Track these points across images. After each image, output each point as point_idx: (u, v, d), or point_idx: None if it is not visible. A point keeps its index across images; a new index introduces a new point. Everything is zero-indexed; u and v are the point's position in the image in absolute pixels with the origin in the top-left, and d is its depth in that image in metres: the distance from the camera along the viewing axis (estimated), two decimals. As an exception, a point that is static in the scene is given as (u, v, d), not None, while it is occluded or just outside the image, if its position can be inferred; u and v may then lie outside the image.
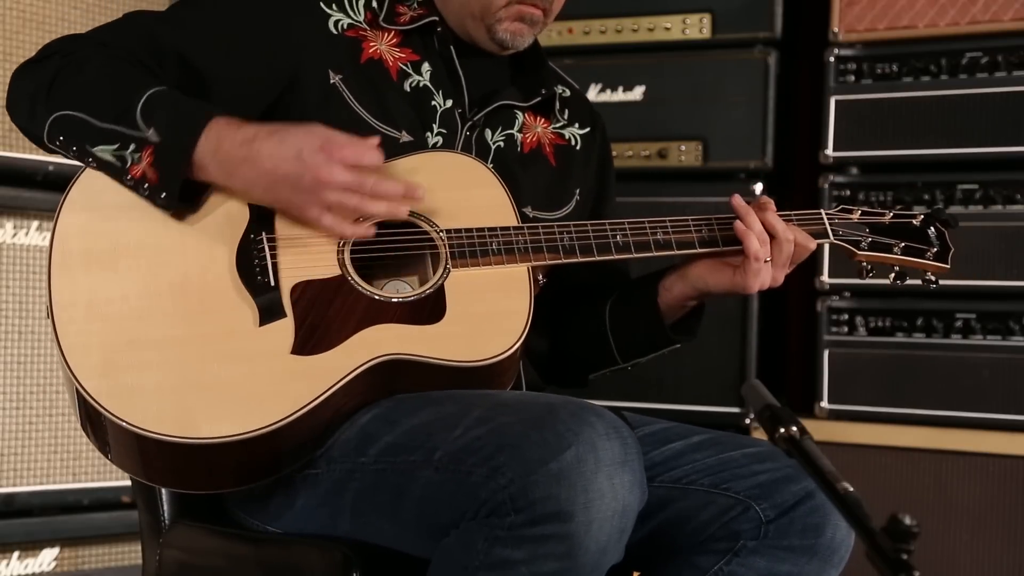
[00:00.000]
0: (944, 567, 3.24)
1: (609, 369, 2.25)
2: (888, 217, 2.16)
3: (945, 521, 3.26)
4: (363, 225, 1.88)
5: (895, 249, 2.15)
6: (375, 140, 1.89)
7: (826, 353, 3.45)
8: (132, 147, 1.86)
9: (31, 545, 3.25)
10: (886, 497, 3.28)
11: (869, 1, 3.43)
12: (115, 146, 1.87)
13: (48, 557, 3.28)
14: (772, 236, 2.05)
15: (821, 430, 3.33)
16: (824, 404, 3.44)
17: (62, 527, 3.30)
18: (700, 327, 2.20)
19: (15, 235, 3.21)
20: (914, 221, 2.17)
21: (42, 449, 3.24)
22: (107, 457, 1.90)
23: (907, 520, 1.28)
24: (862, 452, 3.35)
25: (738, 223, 2.04)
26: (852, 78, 3.46)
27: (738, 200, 2.06)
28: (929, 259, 2.16)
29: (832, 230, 2.13)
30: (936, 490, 3.29)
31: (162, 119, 1.86)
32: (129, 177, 1.88)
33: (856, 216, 2.15)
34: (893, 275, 2.18)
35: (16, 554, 3.22)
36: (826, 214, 2.14)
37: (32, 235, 3.23)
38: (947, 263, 2.17)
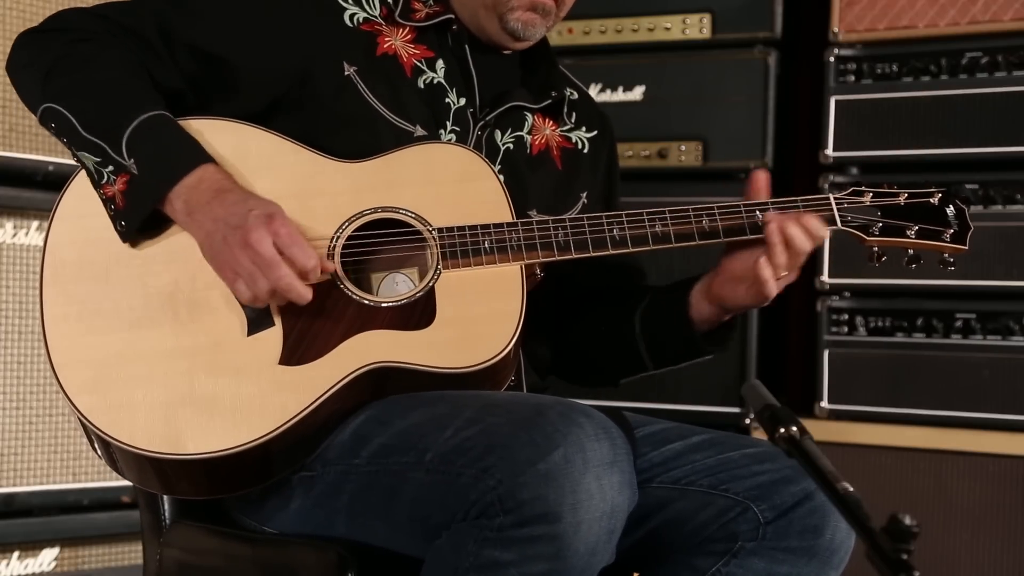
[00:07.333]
0: (944, 567, 3.24)
1: (640, 375, 2.21)
2: (903, 198, 2.06)
3: (945, 521, 3.26)
4: (261, 301, 1.83)
5: (909, 232, 2.04)
6: (327, 266, 1.85)
7: (826, 353, 3.45)
8: (111, 167, 1.87)
9: (31, 545, 3.25)
10: (886, 497, 3.28)
11: (869, 1, 3.43)
12: (97, 159, 1.88)
13: (48, 557, 3.28)
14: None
15: (821, 430, 3.33)
16: (824, 404, 3.44)
17: (62, 527, 3.30)
18: (732, 340, 2.14)
19: (15, 235, 3.21)
20: (932, 200, 2.07)
21: (42, 449, 3.24)
22: (117, 471, 1.91)
23: (907, 520, 1.28)
24: (862, 452, 3.35)
25: (762, 260, 1.98)
26: (852, 78, 3.46)
27: (772, 217, 1.99)
28: (946, 241, 2.05)
29: (840, 216, 2.03)
30: (936, 490, 3.29)
31: (146, 154, 1.86)
32: (101, 192, 1.89)
33: (867, 199, 2.05)
34: (907, 259, 2.07)
35: (16, 554, 3.22)
36: (834, 199, 2.04)
37: (32, 235, 3.23)
38: (966, 244, 2.05)
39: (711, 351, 2.12)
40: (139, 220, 1.87)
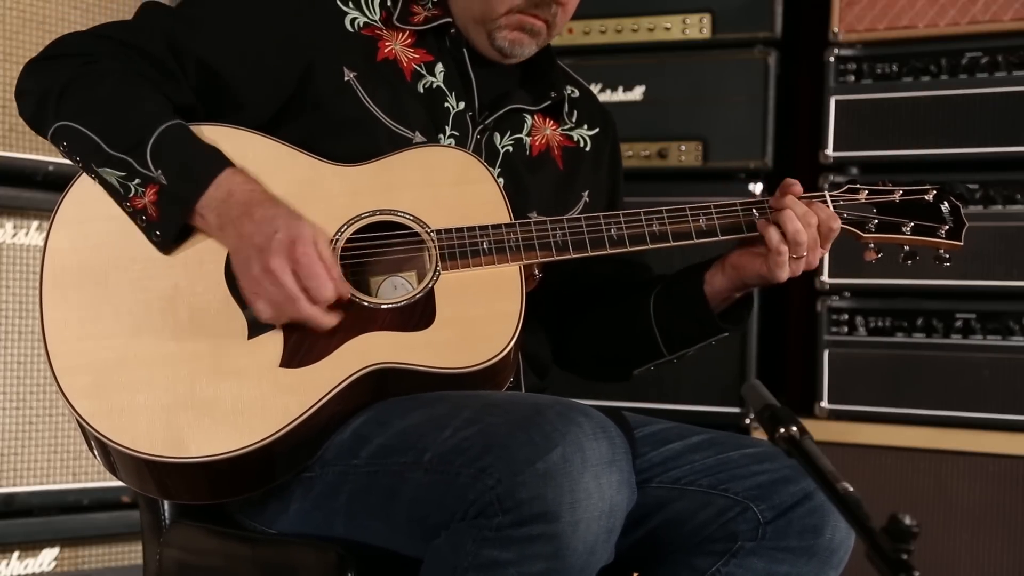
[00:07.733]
0: (944, 567, 3.24)
1: (654, 363, 2.21)
2: (898, 195, 2.09)
3: (945, 521, 3.26)
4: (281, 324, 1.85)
5: (904, 229, 2.07)
6: (345, 290, 1.85)
7: (826, 353, 3.46)
8: (138, 180, 1.87)
9: (31, 545, 3.25)
10: (886, 497, 3.28)
11: (869, 1, 3.43)
12: (122, 174, 1.88)
13: (48, 557, 3.28)
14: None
15: (821, 430, 3.33)
16: (824, 404, 3.44)
17: (62, 527, 3.30)
18: (749, 316, 2.15)
19: (15, 235, 3.21)
20: (926, 197, 2.10)
21: (42, 449, 3.24)
22: (116, 476, 1.91)
23: (907, 520, 1.28)
24: (862, 452, 3.35)
25: (761, 220, 2.01)
26: (852, 78, 3.46)
27: (778, 201, 2.01)
28: (941, 237, 2.08)
29: (836, 213, 2.05)
30: (936, 490, 3.29)
31: (172, 163, 1.86)
32: (129, 205, 1.88)
33: (863, 196, 2.09)
34: (903, 255, 2.10)
35: (16, 554, 3.22)
36: (830, 196, 2.07)
37: (32, 235, 3.23)
38: (960, 240, 2.08)
39: (726, 329, 2.11)
40: (175, 229, 1.87)
